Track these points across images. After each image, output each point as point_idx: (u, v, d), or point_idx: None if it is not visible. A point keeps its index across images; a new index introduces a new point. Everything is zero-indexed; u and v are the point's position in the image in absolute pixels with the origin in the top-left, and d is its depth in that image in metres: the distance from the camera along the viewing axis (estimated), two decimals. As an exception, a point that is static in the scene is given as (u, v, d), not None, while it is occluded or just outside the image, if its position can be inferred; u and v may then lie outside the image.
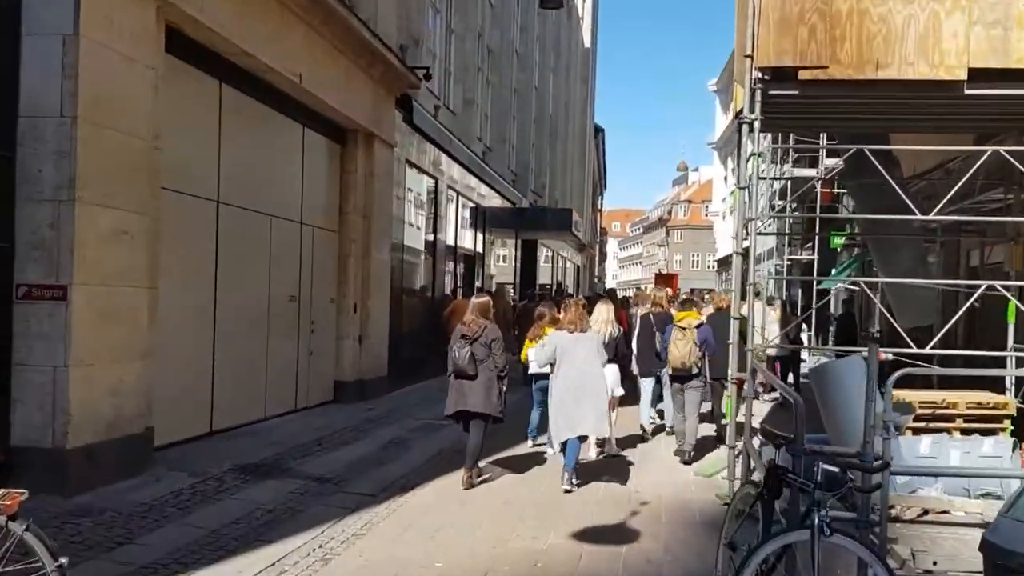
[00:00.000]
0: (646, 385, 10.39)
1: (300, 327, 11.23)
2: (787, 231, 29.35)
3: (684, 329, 9.06)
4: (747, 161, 7.72)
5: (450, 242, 17.98)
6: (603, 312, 9.53)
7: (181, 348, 8.36)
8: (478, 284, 20.76)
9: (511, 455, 9.06)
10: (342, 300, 12.37)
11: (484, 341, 7.47)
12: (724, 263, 55.82)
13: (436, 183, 16.49)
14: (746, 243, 7.75)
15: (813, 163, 25.39)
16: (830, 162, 21.66)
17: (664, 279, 34.12)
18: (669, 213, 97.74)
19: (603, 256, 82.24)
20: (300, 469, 7.83)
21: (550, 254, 34.61)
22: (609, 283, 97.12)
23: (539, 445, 9.34)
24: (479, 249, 20.84)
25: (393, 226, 13.78)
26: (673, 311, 10.54)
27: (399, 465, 8.36)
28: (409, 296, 15.20)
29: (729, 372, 7.58)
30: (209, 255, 8.89)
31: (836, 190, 24.22)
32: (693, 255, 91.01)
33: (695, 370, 9.09)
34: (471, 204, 19.89)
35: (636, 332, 10.75)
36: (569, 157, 41.58)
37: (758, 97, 7.05)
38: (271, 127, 10.36)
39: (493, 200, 22.06)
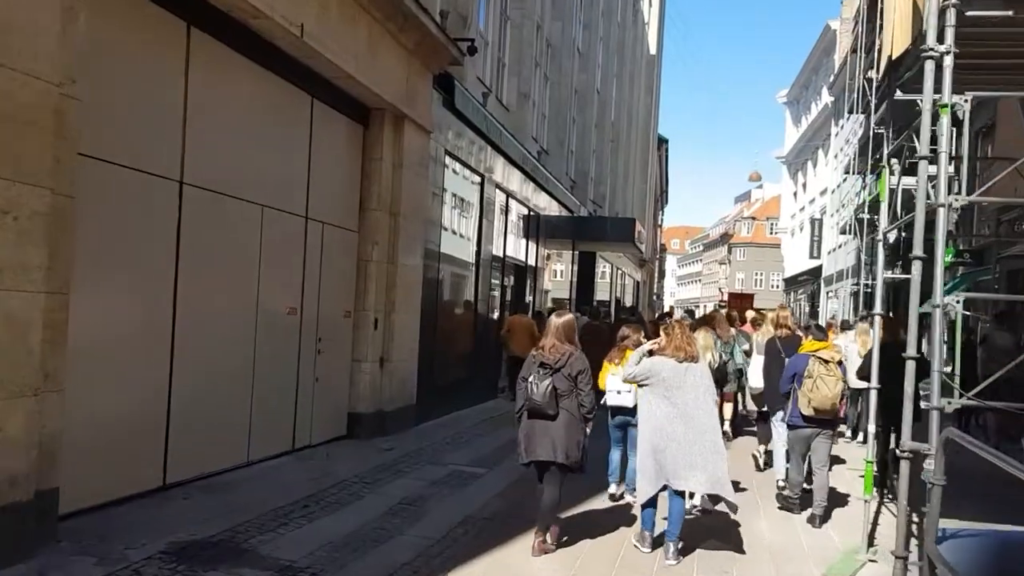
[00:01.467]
0: (780, 428, 8.42)
1: (303, 347, 9.05)
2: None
3: (828, 363, 7.43)
4: (932, 117, 5.22)
5: (498, 251, 15.73)
6: (705, 339, 8.33)
7: (116, 375, 6.21)
8: (529, 299, 18.48)
9: (589, 509, 7.23)
10: (360, 314, 10.19)
11: (568, 372, 5.99)
12: (792, 282, 52.48)
13: (483, 182, 14.25)
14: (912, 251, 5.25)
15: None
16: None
17: (739, 299, 31.42)
18: (732, 230, 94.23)
19: (662, 273, 79.27)
20: (263, 552, 5.57)
21: (608, 268, 32.15)
22: (667, 301, 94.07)
23: (617, 497, 7.90)
24: (531, 261, 18.53)
25: (428, 228, 11.58)
26: (757, 335, 9.72)
27: (406, 545, 6.07)
28: (446, 311, 12.96)
29: (903, 435, 5.15)
30: (165, 253, 6.73)
31: None
32: (757, 274, 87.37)
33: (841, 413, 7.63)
34: (523, 209, 17.63)
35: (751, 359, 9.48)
36: (631, 167, 39.09)
37: (950, 19, 4.63)
38: (265, 93, 8.19)
39: (548, 207, 19.78)
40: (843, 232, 30.70)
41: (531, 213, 18.13)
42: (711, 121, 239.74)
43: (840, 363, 7.56)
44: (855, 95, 28.17)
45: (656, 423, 6.21)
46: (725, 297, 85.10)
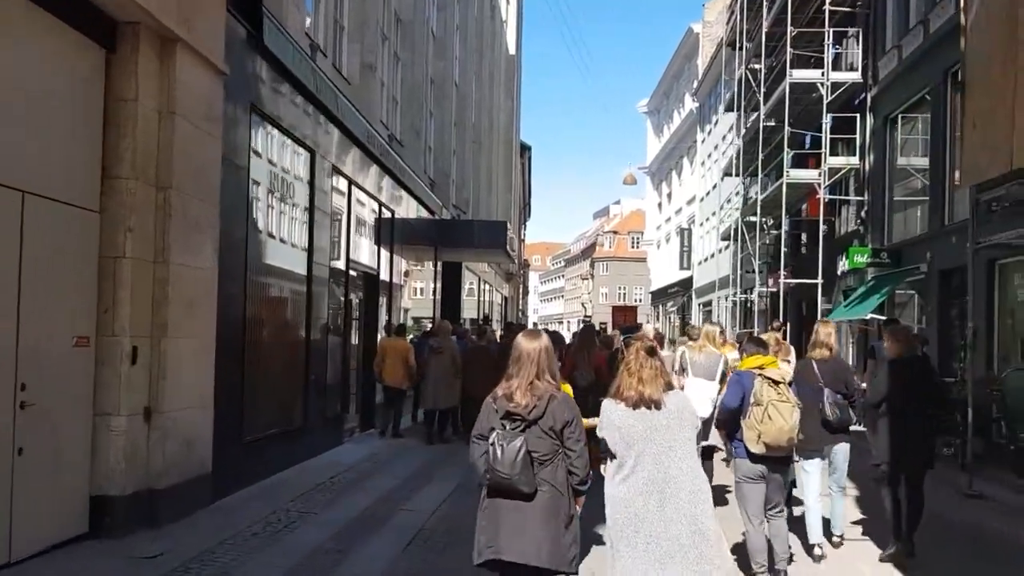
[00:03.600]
0: (812, 473, 6.61)
1: (-14, 399, 5.36)
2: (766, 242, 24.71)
3: (778, 384, 5.71)
4: None
5: (339, 256, 12.25)
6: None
7: None
8: (384, 317, 15.05)
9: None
10: (106, 341, 6.53)
11: (550, 425, 3.93)
12: (661, 295, 51.08)
13: (313, 160, 10.76)
14: None
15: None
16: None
17: (624, 311, 29.26)
18: (595, 244, 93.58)
19: (526, 290, 77.26)
20: None
21: (475, 282, 29.07)
22: (531, 318, 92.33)
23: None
24: (385, 270, 15.11)
25: (229, 216, 8.03)
26: (693, 353, 8.33)
27: None
28: (260, 336, 9.34)
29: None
30: None
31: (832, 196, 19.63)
32: (620, 288, 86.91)
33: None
34: (373, 204, 14.23)
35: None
36: (494, 174, 36.29)
37: None
38: None
39: (406, 207, 16.46)
40: (725, 238, 28.85)
41: (383, 212, 14.75)
42: (566, 133, 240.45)
43: (791, 384, 5.89)
44: (735, 90, 26.52)
45: (628, 501, 4.13)
46: (590, 312, 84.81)
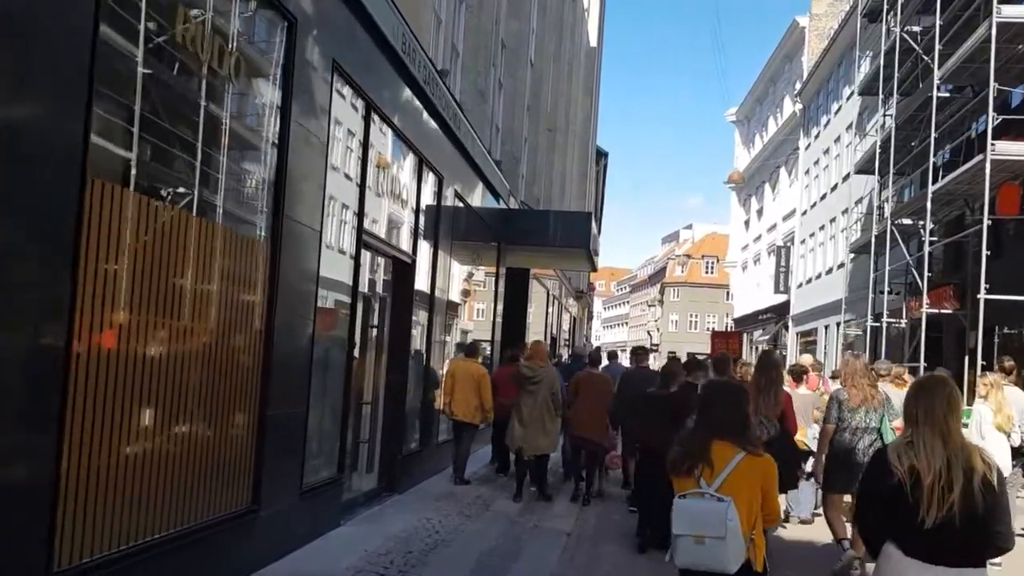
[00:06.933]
0: None
1: None
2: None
3: None
4: None
5: (342, 221, 7.76)
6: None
7: None
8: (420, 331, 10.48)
9: None
10: None
11: None
12: (746, 322, 45.64)
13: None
14: None
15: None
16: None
17: (725, 338, 24.49)
18: (664, 269, 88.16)
19: (590, 314, 72.31)
20: None
21: (543, 297, 24.41)
22: (594, 344, 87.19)
23: None
24: (424, 257, 10.56)
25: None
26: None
27: None
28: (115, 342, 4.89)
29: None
30: None
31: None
32: (692, 315, 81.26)
33: None
34: (416, 158, 9.73)
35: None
36: (568, 178, 31.70)
37: None
38: None
39: (464, 183, 11.96)
40: (855, 252, 23.69)
41: (437, 177, 10.29)
42: (633, 147, 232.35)
43: None
44: (879, 72, 21.48)
45: None
46: (656, 341, 79.19)
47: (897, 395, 7.16)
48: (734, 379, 8.67)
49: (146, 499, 4.50)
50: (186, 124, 4.91)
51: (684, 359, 10.96)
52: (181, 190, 4.79)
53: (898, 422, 8.33)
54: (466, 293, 14.80)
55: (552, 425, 9.84)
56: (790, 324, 36.28)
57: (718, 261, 76.83)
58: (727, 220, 56.24)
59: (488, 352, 14.26)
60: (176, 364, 4.73)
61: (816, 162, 33.54)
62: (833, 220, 30.27)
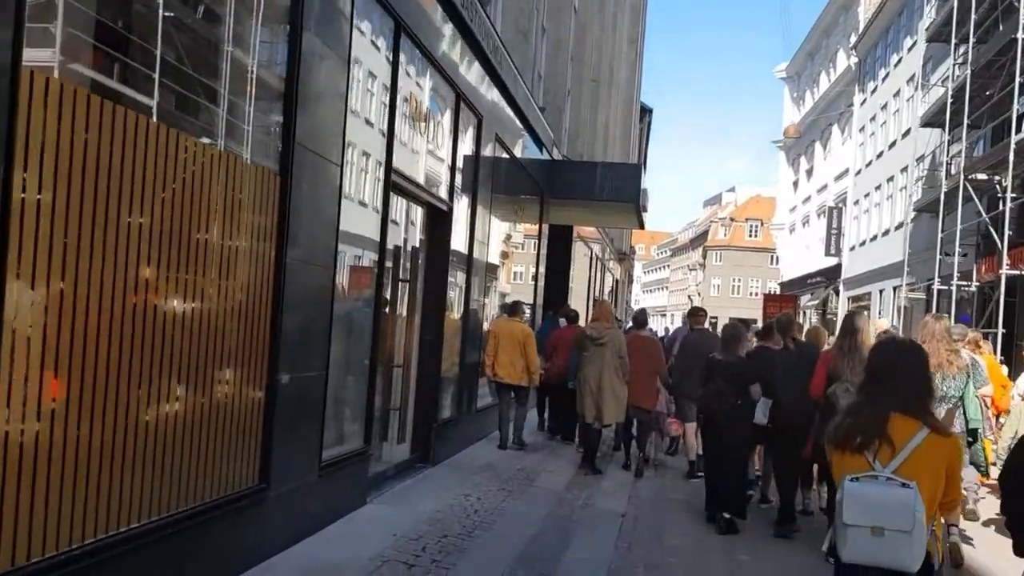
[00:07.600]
0: None
1: None
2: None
3: None
4: None
5: (366, 158, 6.87)
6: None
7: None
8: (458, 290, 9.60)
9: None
10: None
11: None
12: (794, 286, 44.07)
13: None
14: None
15: None
16: None
17: (779, 302, 23.40)
18: (706, 233, 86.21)
19: (630, 278, 70.98)
20: None
21: (587, 257, 23.42)
22: (634, 308, 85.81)
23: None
24: (462, 206, 9.66)
25: None
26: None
27: None
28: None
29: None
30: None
31: None
32: (735, 279, 79.47)
33: None
34: (452, 96, 8.77)
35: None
36: (611, 134, 30.43)
37: None
38: None
39: (503, 123, 10.98)
40: (919, 211, 22.28)
41: (476, 117, 9.31)
42: (675, 105, 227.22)
43: None
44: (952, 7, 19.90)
45: None
46: (696, 303, 77.71)
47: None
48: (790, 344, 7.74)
49: (122, 483, 3.66)
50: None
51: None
52: (145, 100, 3.87)
53: (986, 389, 7.32)
54: (504, 255, 13.92)
55: (622, 390, 9.02)
56: (841, 288, 34.83)
57: (762, 224, 74.85)
58: (772, 182, 54.52)
59: (528, 315, 13.36)
60: (160, 319, 3.86)
61: (873, 118, 31.85)
62: (891, 179, 28.70)
